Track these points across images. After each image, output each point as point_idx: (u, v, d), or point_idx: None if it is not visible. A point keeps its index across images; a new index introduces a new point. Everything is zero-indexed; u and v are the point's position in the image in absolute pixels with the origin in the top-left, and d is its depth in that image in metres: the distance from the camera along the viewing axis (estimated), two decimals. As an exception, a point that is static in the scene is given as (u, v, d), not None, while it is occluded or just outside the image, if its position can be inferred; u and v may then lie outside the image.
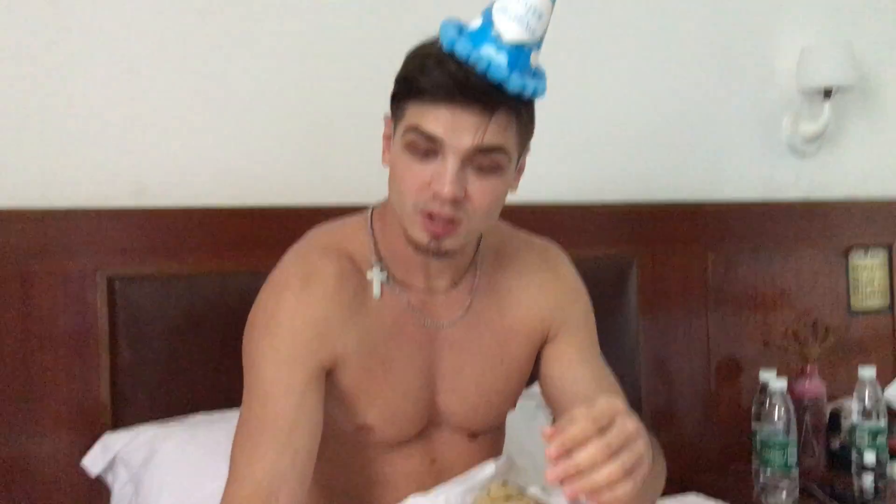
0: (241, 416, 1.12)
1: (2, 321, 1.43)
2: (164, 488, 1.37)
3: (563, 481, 0.86)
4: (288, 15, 1.69)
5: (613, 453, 0.87)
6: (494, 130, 1.03)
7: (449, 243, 1.07)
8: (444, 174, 1.03)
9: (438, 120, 1.02)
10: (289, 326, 1.10)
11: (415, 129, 1.03)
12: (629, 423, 0.89)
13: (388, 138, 1.12)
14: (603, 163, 2.03)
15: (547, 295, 1.24)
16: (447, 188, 1.02)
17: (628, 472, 0.87)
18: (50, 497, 1.44)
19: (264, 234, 1.58)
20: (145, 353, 1.49)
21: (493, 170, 1.05)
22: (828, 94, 2.19)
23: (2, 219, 1.44)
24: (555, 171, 1.93)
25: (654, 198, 2.06)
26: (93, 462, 1.43)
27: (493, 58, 1.01)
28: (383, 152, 1.13)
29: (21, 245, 1.44)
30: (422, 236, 1.06)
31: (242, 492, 1.06)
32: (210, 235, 1.57)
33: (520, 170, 1.14)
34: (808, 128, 2.22)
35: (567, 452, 0.86)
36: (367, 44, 1.73)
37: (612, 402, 0.90)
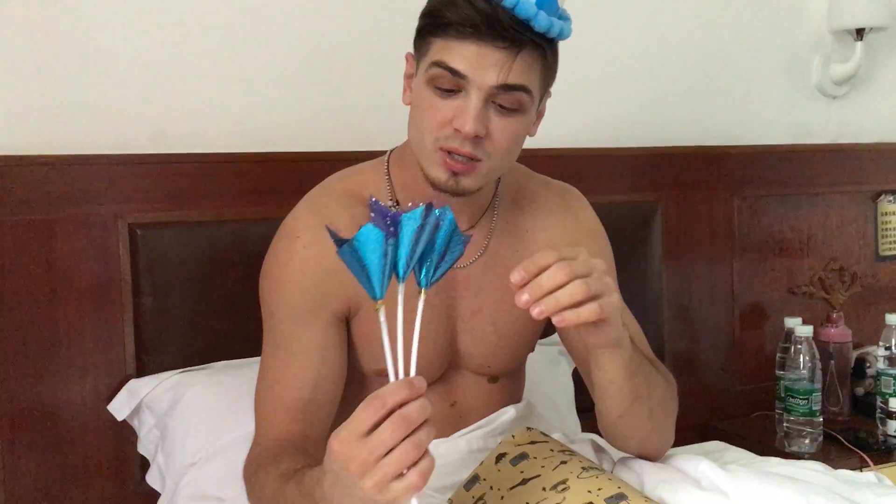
0: (263, 362, 1.14)
1: (26, 268, 1.43)
2: (189, 433, 1.39)
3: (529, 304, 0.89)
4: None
5: (577, 277, 0.88)
6: (519, 68, 1.02)
7: (467, 182, 1.06)
8: (466, 110, 1.02)
9: (464, 55, 1.01)
10: (301, 280, 1.11)
11: (439, 63, 1.02)
12: (596, 261, 0.92)
13: (409, 77, 1.11)
14: (625, 107, 1.99)
15: (565, 235, 1.24)
16: (469, 124, 1.01)
17: (593, 296, 0.89)
18: (78, 441, 1.47)
19: (284, 180, 1.57)
20: (168, 300, 1.49)
21: (515, 109, 1.04)
22: (860, 34, 2.13)
23: (23, 165, 1.43)
24: (576, 115, 1.90)
25: (678, 142, 2.02)
26: (118, 407, 1.45)
27: None
28: (404, 91, 1.12)
29: (43, 191, 1.44)
30: (440, 174, 1.06)
31: (268, 437, 1.08)
32: (229, 182, 1.56)
33: (539, 114, 1.13)
34: (839, 69, 2.16)
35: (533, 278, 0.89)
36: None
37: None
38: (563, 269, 0.88)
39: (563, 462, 1.09)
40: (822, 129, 2.22)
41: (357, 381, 1.19)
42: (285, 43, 1.65)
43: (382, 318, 0.80)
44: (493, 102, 1.03)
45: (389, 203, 1.17)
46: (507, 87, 1.02)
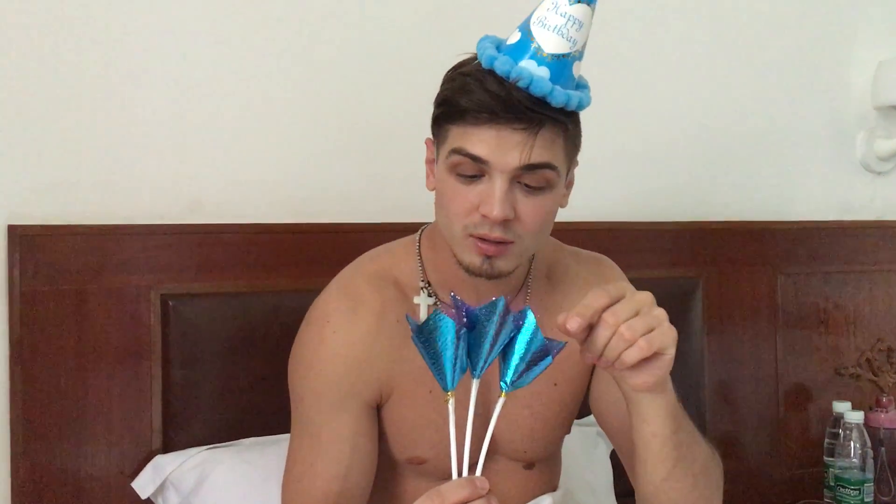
0: (291, 451, 1.10)
1: (58, 338, 1.42)
2: (214, 513, 1.34)
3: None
4: (344, 32, 1.66)
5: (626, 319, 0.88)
6: (541, 147, 0.99)
7: (502, 264, 1.04)
8: (491, 195, 0.99)
9: (483, 140, 0.98)
10: (331, 368, 1.08)
11: (459, 151, 1.00)
12: (643, 295, 0.91)
13: (430, 162, 1.09)
14: (666, 180, 1.96)
15: None
16: (496, 209, 0.99)
17: (629, 340, 0.88)
18: (100, 518, 1.43)
19: (318, 251, 1.55)
20: (198, 372, 1.46)
21: (541, 187, 1.02)
22: (905, 110, 2.10)
23: (59, 234, 1.43)
24: (616, 188, 1.87)
25: (720, 217, 1.98)
26: (143, 485, 1.41)
27: (534, 72, 0.97)
28: (427, 176, 1.10)
29: (77, 261, 1.43)
30: (474, 259, 1.03)
31: None
32: (263, 253, 1.54)
33: (569, 184, 1.11)
34: (884, 145, 2.12)
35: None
36: (421, 61, 1.69)
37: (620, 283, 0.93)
38: (612, 318, 0.88)
39: None
40: (867, 206, 2.17)
41: (388, 468, 1.15)
42: (321, 114, 1.65)
43: (451, 409, 0.78)
44: (518, 183, 1.01)
45: (421, 284, 1.14)
46: (530, 167, 0.99)
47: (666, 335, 0.90)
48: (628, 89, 1.89)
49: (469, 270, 1.05)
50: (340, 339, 1.09)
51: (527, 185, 1.01)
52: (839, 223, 2.10)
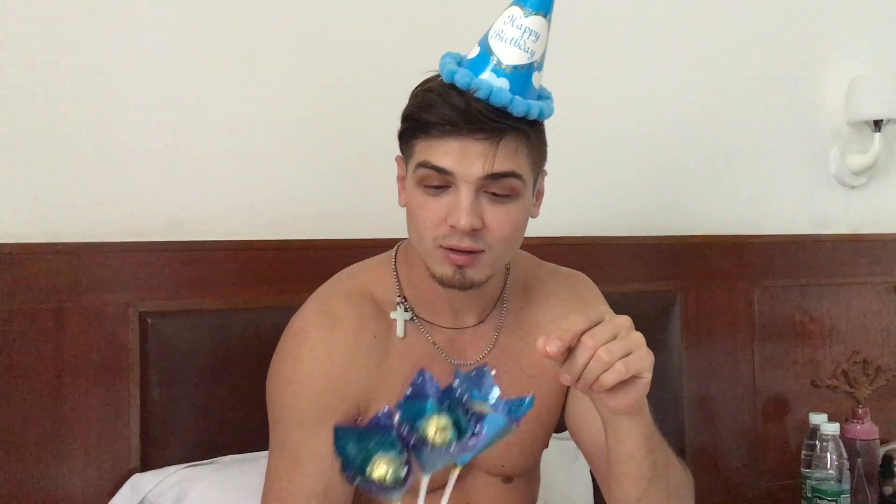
0: (270, 469, 1.10)
1: (35, 356, 1.40)
2: (192, 532, 1.33)
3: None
4: (323, 51, 1.67)
5: (604, 343, 0.90)
6: (504, 156, 1.01)
7: (473, 274, 1.05)
8: (458, 206, 1.01)
9: (447, 152, 1.00)
10: (309, 386, 1.09)
11: (424, 164, 1.02)
12: (621, 319, 0.93)
13: (401, 179, 1.11)
14: (643, 196, 1.98)
15: None
16: (463, 219, 1.00)
17: (607, 363, 0.89)
18: (78, 537, 1.42)
19: (297, 267, 1.56)
20: (176, 390, 1.46)
21: (508, 196, 1.04)
22: (878, 125, 2.13)
23: (35, 253, 1.42)
24: (593, 204, 1.89)
25: (697, 232, 2.00)
26: (121, 503, 1.40)
27: (493, 83, 1.00)
28: (399, 193, 1.12)
29: (54, 279, 1.42)
30: (446, 270, 1.05)
31: None
32: (243, 270, 1.54)
33: (539, 194, 1.12)
34: (858, 160, 2.16)
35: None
36: (401, 78, 1.70)
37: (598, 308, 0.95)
38: (590, 342, 0.90)
39: None
40: (842, 220, 2.20)
41: None
42: (300, 132, 1.65)
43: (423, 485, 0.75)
44: (484, 193, 1.03)
45: (398, 300, 1.15)
46: (495, 176, 1.01)
47: (644, 359, 0.92)
48: (604, 105, 1.90)
49: (441, 282, 1.06)
50: (317, 356, 1.09)
51: (493, 194, 1.03)
52: (814, 237, 2.12)
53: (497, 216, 1.03)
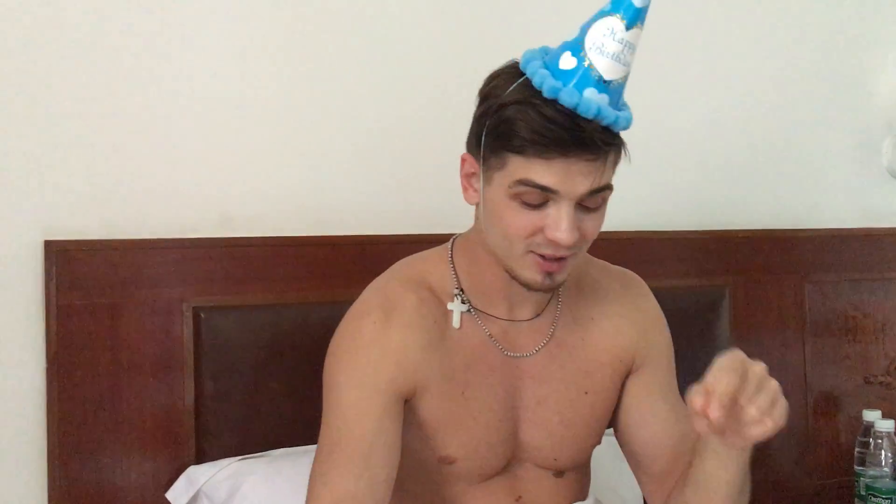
0: (320, 439, 1.12)
1: (92, 351, 1.44)
2: (246, 523, 1.36)
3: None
4: (372, 45, 1.68)
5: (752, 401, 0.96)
6: (605, 171, 1.03)
7: (560, 277, 1.08)
8: (560, 222, 1.01)
9: (552, 173, 1.00)
10: (368, 355, 1.10)
11: (526, 182, 1.01)
12: (758, 367, 0.98)
13: (470, 176, 1.10)
14: (692, 190, 1.96)
15: (631, 324, 1.23)
16: (567, 236, 1.01)
17: (765, 413, 0.96)
18: (134, 528, 1.45)
19: (347, 263, 1.57)
20: (229, 384, 1.48)
21: (599, 206, 1.05)
22: (932, 116, 2.09)
23: (91, 248, 1.45)
24: (641, 199, 1.87)
25: (746, 226, 1.98)
26: (177, 496, 1.43)
27: (597, 101, 0.99)
28: (465, 190, 1.11)
29: (110, 275, 1.45)
30: (535, 276, 1.06)
31: None
32: (293, 265, 1.56)
33: None
34: (911, 152, 2.12)
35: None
36: (448, 73, 1.71)
37: (735, 353, 0.99)
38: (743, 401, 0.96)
39: None
40: (894, 213, 2.16)
41: (419, 470, 1.16)
42: (350, 127, 1.67)
43: None
44: (579, 205, 1.03)
45: (455, 291, 1.16)
46: (594, 192, 1.03)
47: (784, 409, 0.98)
48: (654, 99, 1.89)
49: (529, 286, 1.08)
50: (380, 330, 1.11)
51: (587, 205, 1.04)
52: (866, 230, 2.09)
53: (591, 225, 1.05)
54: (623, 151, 1.06)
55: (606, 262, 1.30)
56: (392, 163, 1.69)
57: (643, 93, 1.85)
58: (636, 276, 1.30)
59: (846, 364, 2.04)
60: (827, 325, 2.03)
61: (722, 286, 1.90)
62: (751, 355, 1.89)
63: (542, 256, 1.04)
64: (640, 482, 1.27)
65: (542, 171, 1.00)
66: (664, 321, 1.28)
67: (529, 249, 1.05)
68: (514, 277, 1.08)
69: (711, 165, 1.98)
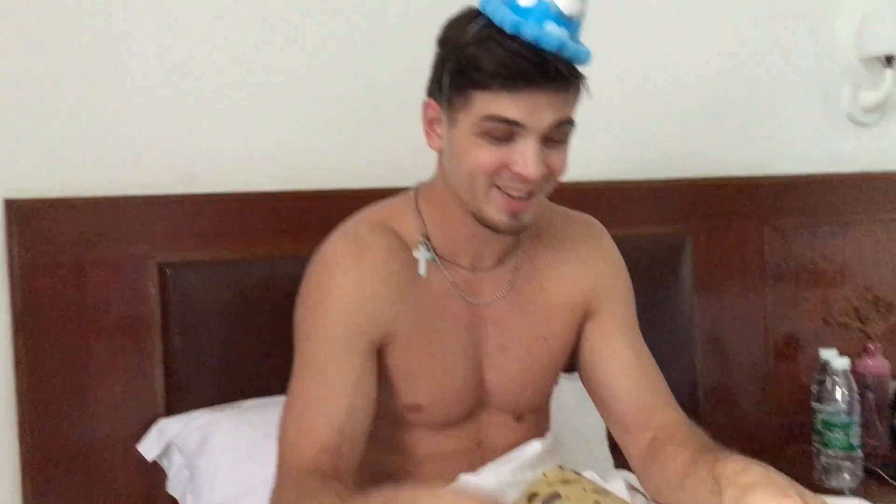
0: (293, 389, 1.12)
1: (58, 309, 1.44)
2: (218, 472, 1.38)
3: None
4: (334, 1, 1.67)
5: None
6: (567, 104, 1.04)
7: (527, 218, 1.09)
8: (527, 156, 1.03)
9: (518, 106, 1.01)
10: (340, 305, 1.11)
11: (492, 117, 1.02)
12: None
13: (433, 122, 1.11)
14: (654, 138, 1.98)
15: (588, 268, 1.24)
16: (533, 169, 1.03)
17: None
18: (107, 481, 1.47)
19: (314, 217, 1.55)
20: (198, 339, 1.50)
21: (563, 140, 1.07)
22: (889, 61, 2.11)
23: (55, 207, 1.45)
24: (603, 147, 1.88)
25: (708, 173, 2.00)
26: (148, 448, 1.45)
27: (558, 34, 1.00)
28: (429, 136, 1.12)
29: (73, 233, 1.45)
30: (501, 217, 1.07)
31: (298, 465, 1.06)
32: (259, 220, 1.57)
33: None
34: (869, 97, 2.14)
35: None
36: (412, 25, 1.70)
37: None
38: None
39: (598, 501, 1.07)
40: (853, 158, 2.19)
41: (386, 418, 1.18)
42: (312, 81, 1.66)
43: None
44: (544, 139, 1.05)
45: (420, 239, 1.17)
46: (559, 125, 1.04)
47: None
48: (615, 47, 1.89)
49: (494, 227, 1.09)
50: (350, 279, 1.11)
51: (551, 140, 1.05)
52: (826, 176, 2.12)
53: (556, 160, 1.06)
54: (583, 86, 1.07)
55: (567, 209, 1.31)
56: (360, 116, 1.69)
57: (606, 44, 1.86)
58: (595, 221, 1.31)
59: (806, 307, 2.08)
60: (788, 269, 2.06)
61: (684, 233, 1.93)
62: (713, 300, 1.96)
63: (509, 196, 1.05)
64: (616, 437, 1.27)
65: (509, 105, 1.01)
66: (623, 265, 1.29)
67: (494, 184, 1.05)
68: (479, 220, 1.09)
69: (673, 115, 2.00)
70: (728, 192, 2.00)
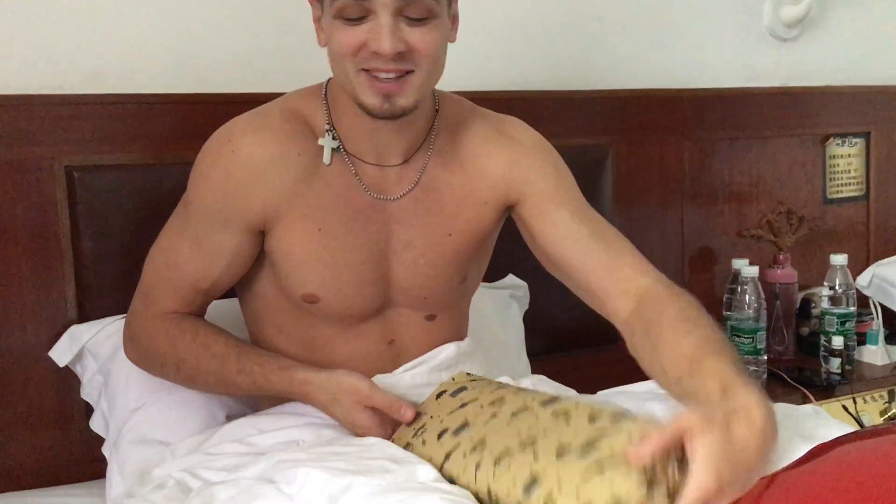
0: (165, 241, 1.23)
1: (-40, 214, 1.40)
2: (131, 378, 1.37)
3: None
4: None
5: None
6: None
7: (403, 101, 1.08)
8: (379, 31, 1.04)
9: None
10: (224, 184, 1.15)
11: None
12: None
13: (318, 19, 1.12)
14: (575, 49, 1.97)
15: (500, 161, 1.23)
16: (386, 43, 1.03)
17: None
18: (20, 388, 1.45)
19: (224, 121, 1.52)
20: (108, 244, 1.46)
21: (426, 17, 1.06)
22: (811, -25, 2.13)
23: (-48, 107, 1.39)
24: (523, 57, 1.87)
25: (629, 86, 2.01)
26: (60, 353, 1.43)
27: None
28: (318, 34, 1.13)
29: (-26, 134, 1.40)
30: (373, 99, 1.08)
31: (157, 307, 1.23)
32: (169, 123, 1.53)
33: (454, 18, 1.15)
34: (790, 12, 2.16)
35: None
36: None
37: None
38: None
39: (501, 386, 1.12)
40: (773, 73, 2.23)
41: (287, 306, 1.21)
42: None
43: None
44: (403, 17, 1.05)
45: (326, 127, 1.18)
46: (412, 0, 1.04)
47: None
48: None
49: (371, 112, 1.09)
50: (238, 158, 1.14)
51: (411, 17, 1.05)
52: (744, 90, 2.15)
53: (419, 36, 1.06)
54: None
55: (490, 111, 1.30)
56: (268, 18, 1.65)
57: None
58: (517, 119, 1.30)
59: (721, 220, 2.13)
60: (705, 182, 2.10)
61: (604, 146, 1.94)
62: (632, 212, 1.99)
63: (377, 78, 1.06)
64: (600, 313, 1.20)
65: None
66: (548, 149, 1.28)
67: (360, 67, 1.07)
68: (360, 107, 1.10)
69: (595, 25, 1.99)
70: (649, 105, 2.01)
